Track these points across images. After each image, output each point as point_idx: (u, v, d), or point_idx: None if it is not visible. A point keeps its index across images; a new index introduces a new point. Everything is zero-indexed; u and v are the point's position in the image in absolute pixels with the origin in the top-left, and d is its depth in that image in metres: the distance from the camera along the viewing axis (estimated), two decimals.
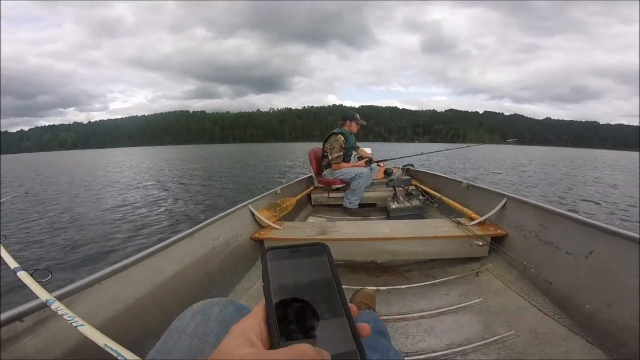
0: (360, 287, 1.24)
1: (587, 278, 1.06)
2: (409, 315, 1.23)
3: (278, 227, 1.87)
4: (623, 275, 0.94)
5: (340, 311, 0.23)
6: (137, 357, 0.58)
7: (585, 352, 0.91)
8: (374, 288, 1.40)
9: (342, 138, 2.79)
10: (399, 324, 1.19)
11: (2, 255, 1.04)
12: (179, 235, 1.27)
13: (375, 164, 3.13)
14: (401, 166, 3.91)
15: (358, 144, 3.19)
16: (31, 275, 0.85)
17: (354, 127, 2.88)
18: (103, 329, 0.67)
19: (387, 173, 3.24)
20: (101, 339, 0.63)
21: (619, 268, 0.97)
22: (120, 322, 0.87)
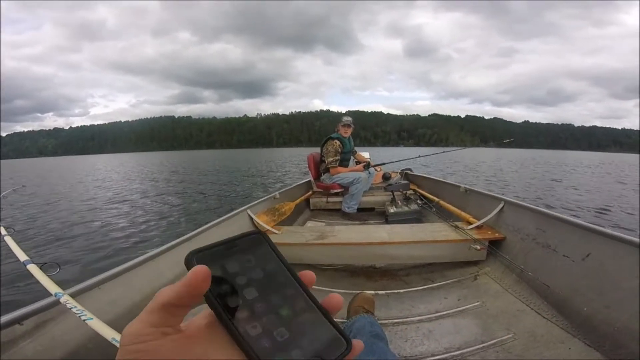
0: (359, 292, 1.24)
1: (585, 281, 1.07)
2: (408, 319, 1.23)
3: (277, 231, 1.86)
4: (620, 277, 0.95)
5: (303, 297, 0.20)
6: None
7: (584, 354, 0.92)
8: (373, 292, 1.40)
9: (338, 143, 2.80)
10: (397, 327, 1.19)
11: (12, 248, 1.04)
12: (177, 240, 1.27)
13: (373, 168, 3.14)
14: (399, 170, 3.94)
15: (356, 148, 3.21)
16: (40, 268, 0.86)
17: (343, 131, 2.89)
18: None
19: (386, 177, 3.26)
20: (109, 333, 0.63)
21: (616, 270, 0.98)
22: (119, 325, 0.89)
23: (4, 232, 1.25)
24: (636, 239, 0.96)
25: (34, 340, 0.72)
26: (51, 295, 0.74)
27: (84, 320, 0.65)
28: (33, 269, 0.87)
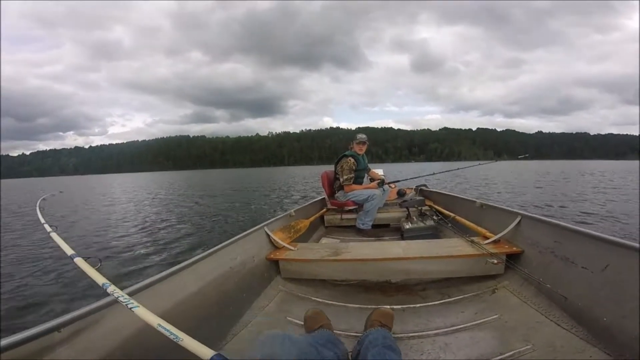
0: (376, 307, 1.25)
1: (604, 291, 1.06)
2: (424, 333, 1.23)
3: (292, 248, 1.92)
4: (637, 287, 0.95)
5: None
6: (188, 336, 0.60)
7: None
8: (388, 307, 1.40)
9: (352, 160, 2.87)
10: (413, 341, 1.19)
11: (59, 244, 1.12)
12: (199, 256, 1.32)
13: (388, 185, 3.18)
14: (414, 186, 3.94)
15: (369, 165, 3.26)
16: (86, 261, 0.92)
17: (357, 148, 2.95)
18: (129, 343, 0.75)
19: (401, 194, 3.29)
20: (154, 320, 0.66)
21: (634, 280, 0.97)
22: (143, 336, 0.89)
23: (49, 229, 1.34)
24: None
25: (69, 347, 0.75)
26: (99, 286, 0.79)
27: (131, 308, 0.70)
28: (80, 262, 0.92)
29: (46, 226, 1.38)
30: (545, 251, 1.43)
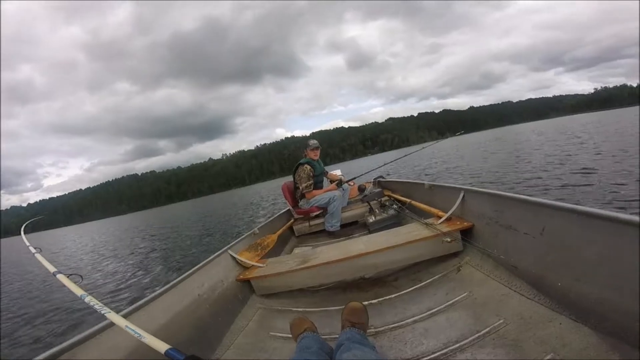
0: (344, 306, 1.23)
1: (549, 255, 1.08)
2: (403, 322, 1.25)
3: (261, 265, 1.91)
4: (578, 247, 0.96)
5: None
6: (149, 334, 0.68)
7: (574, 332, 0.91)
8: (366, 302, 1.39)
9: (309, 167, 2.91)
10: (395, 332, 1.20)
11: (43, 263, 1.21)
12: (162, 289, 1.31)
13: (347, 184, 3.27)
14: (372, 180, 4.07)
15: (327, 168, 3.33)
16: (68, 277, 1.01)
17: (311, 154, 3.00)
18: None
19: (361, 189, 3.38)
20: (122, 322, 0.74)
21: (571, 241, 0.99)
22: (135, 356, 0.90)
23: (33, 250, 1.41)
24: (578, 207, 0.96)
25: None
26: (77, 297, 0.87)
27: (103, 313, 0.79)
28: (61, 277, 0.99)
29: (31, 248, 1.43)
30: (490, 222, 1.46)
